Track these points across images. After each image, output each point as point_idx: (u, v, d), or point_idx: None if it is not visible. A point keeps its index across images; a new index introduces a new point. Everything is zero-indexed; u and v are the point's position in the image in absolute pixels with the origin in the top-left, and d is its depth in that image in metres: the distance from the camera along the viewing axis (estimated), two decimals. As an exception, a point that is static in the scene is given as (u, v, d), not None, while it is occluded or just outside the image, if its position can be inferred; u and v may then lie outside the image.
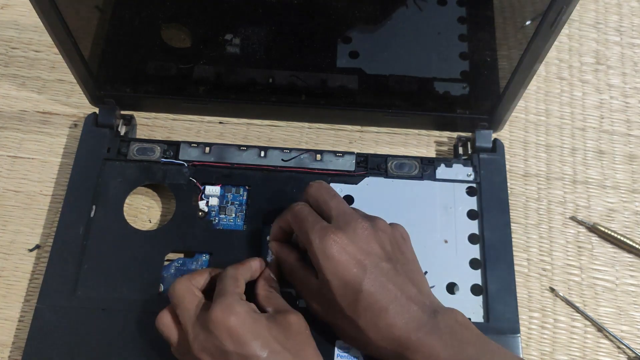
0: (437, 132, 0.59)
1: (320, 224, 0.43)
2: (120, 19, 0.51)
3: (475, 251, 0.51)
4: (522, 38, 0.47)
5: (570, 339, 0.51)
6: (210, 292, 0.44)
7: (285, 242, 0.48)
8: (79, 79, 0.53)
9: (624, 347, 0.50)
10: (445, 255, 0.51)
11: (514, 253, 0.51)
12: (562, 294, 0.52)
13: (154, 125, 0.58)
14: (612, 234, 0.54)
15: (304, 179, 0.53)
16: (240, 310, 0.40)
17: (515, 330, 0.48)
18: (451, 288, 0.50)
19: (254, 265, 0.46)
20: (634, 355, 0.50)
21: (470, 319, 0.48)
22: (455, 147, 0.57)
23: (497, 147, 0.55)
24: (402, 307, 0.41)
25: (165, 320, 0.43)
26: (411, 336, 0.41)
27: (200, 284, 0.45)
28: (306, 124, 0.59)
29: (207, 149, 0.54)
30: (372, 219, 0.44)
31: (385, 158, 0.54)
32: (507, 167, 0.56)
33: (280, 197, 0.52)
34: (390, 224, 0.46)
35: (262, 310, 0.44)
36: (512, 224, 0.53)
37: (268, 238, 0.49)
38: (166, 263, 0.50)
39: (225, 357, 0.40)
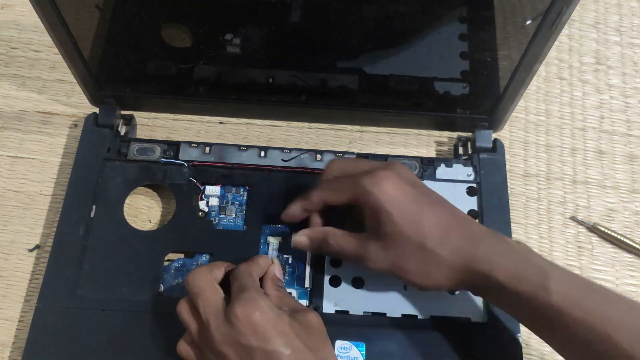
0: (437, 132, 0.59)
1: (363, 171, 0.45)
2: (120, 18, 0.51)
3: None
4: (522, 38, 0.47)
5: (571, 339, 0.51)
6: (225, 286, 0.44)
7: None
8: (79, 79, 0.53)
9: (624, 347, 0.50)
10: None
11: (514, 253, 0.51)
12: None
13: (154, 125, 0.58)
14: (612, 234, 0.54)
15: (304, 179, 0.53)
16: (264, 306, 0.40)
17: (515, 330, 0.48)
18: (451, 288, 0.50)
19: (262, 263, 0.46)
20: (634, 355, 0.50)
21: (469, 319, 0.48)
22: (455, 147, 0.57)
23: (497, 147, 0.55)
24: (463, 223, 0.44)
25: (185, 307, 0.43)
26: (480, 245, 0.42)
27: (218, 277, 0.44)
28: (306, 124, 0.59)
29: (207, 149, 0.54)
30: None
31: (385, 158, 0.54)
32: (507, 167, 0.56)
33: (280, 197, 0.52)
34: None
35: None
36: (512, 224, 0.53)
37: (295, 238, 0.48)
38: (166, 263, 0.50)
39: (248, 352, 0.39)
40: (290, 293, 0.49)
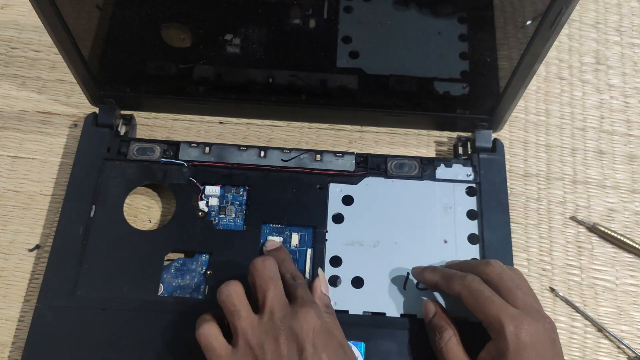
0: (437, 132, 0.59)
1: (512, 310, 0.42)
2: (120, 18, 0.50)
3: (475, 251, 0.51)
4: (522, 38, 0.47)
5: (570, 339, 0.51)
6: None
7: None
8: (79, 79, 0.53)
9: (624, 347, 0.50)
10: (445, 255, 0.51)
11: (514, 253, 0.51)
12: (562, 294, 0.52)
13: (154, 125, 0.58)
14: (612, 234, 0.54)
15: (304, 179, 0.53)
16: (326, 317, 0.42)
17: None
18: (451, 288, 0.50)
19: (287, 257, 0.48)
20: (634, 355, 0.50)
21: (468, 318, 0.48)
22: (455, 147, 0.57)
23: (497, 147, 0.55)
24: None
25: (238, 291, 0.42)
26: None
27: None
28: (306, 124, 0.59)
29: (207, 149, 0.54)
30: (544, 312, 0.44)
31: (385, 158, 0.54)
32: (507, 167, 0.56)
33: (280, 197, 0.52)
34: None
35: None
36: (512, 224, 0.53)
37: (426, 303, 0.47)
38: (166, 263, 0.50)
39: (299, 348, 0.40)
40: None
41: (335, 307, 0.48)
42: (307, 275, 0.50)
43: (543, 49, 0.46)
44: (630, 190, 0.57)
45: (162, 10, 0.49)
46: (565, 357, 0.49)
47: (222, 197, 0.53)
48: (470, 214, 0.52)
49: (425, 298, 0.48)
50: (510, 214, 0.53)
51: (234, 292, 0.42)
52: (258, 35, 0.51)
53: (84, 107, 0.58)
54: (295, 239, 0.51)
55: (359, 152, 0.54)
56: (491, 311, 0.42)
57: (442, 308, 0.47)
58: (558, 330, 0.50)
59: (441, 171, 0.54)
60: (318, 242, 0.51)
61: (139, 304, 0.48)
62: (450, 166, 0.54)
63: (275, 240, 0.50)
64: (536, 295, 0.45)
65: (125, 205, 0.52)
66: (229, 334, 0.42)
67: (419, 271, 0.48)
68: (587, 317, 0.52)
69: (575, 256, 0.54)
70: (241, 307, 0.42)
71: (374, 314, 0.48)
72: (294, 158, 0.54)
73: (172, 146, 0.54)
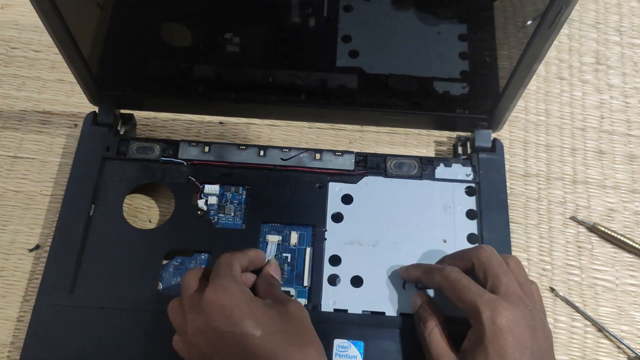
0: (436, 132, 0.59)
1: (489, 295, 0.42)
2: (120, 18, 0.51)
3: None
4: (522, 38, 0.47)
5: (570, 339, 0.51)
6: None
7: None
8: (79, 79, 0.53)
9: (624, 347, 0.50)
10: (444, 255, 0.50)
11: (514, 253, 0.51)
12: (562, 294, 0.52)
13: (154, 125, 0.58)
14: (612, 234, 0.54)
15: (303, 178, 0.53)
16: (234, 290, 0.41)
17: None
18: (450, 287, 0.50)
19: (252, 254, 0.46)
20: (634, 355, 0.50)
21: (468, 318, 0.48)
22: (455, 147, 0.57)
23: (496, 147, 0.55)
24: None
25: (172, 309, 0.44)
26: None
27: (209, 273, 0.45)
28: (306, 124, 0.59)
29: (207, 148, 0.54)
30: (531, 299, 0.43)
31: (384, 157, 0.54)
32: (507, 167, 0.56)
33: (280, 196, 0.52)
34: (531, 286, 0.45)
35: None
36: (512, 224, 0.53)
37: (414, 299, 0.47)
38: (165, 262, 0.50)
39: (219, 336, 0.40)
40: (289, 292, 0.49)
41: (334, 307, 0.48)
42: (306, 274, 0.50)
43: (543, 49, 0.46)
44: (630, 190, 0.57)
45: (162, 10, 0.49)
46: (565, 357, 0.49)
47: (221, 196, 0.53)
48: (470, 214, 0.52)
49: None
50: (510, 214, 0.53)
51: (171, 308, 0.44)
52: (258, 34, 0.51)
53: (84, 107, 0.58)
54: (294, 237, 0.51)
55: (359, 151, 0.54)
56: (468, 298, 0.42)
57: (429, 300, 0.47)
58: (558, 331, 0.51)
59: (441, 171, 0.54)
60: (317, 241, 0.51)
61: (138, 302, 0.48)
62: (450, 166, 0.54)
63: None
64: (533, 284, 0.44)
65: (124, 204, 0.52)
66: None
67: (403, 269, 0.49)
68: (587, 317, 0.51)
69: (575, 256, 0.54)
70: (173, 322, 0.43)
71: (373, 313, 0.48)
72: (293, 157, 0.54)
73: (172, 145, 0.54)
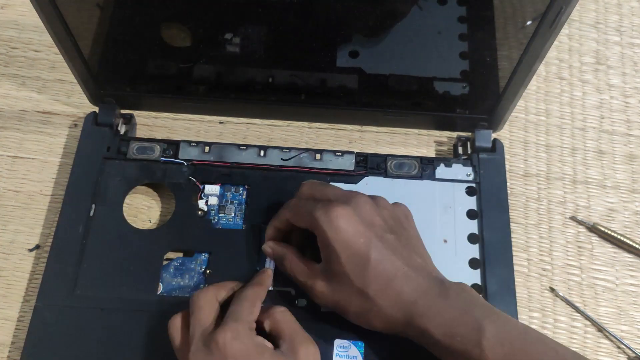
0: (437, 132, 0.59)
1: (323, 203, 0.44)
2: (120, 18, 0.51)
3: (474, 251, 0.51)
4: (522, 38, 0.47)
5: (570, 339, 0.51)
6: (227, 306, 0.44)
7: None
8: (79, 79, 0.53)
9: (624, 347, 0.50)
10: (445, 255, 0.50)
11: (514, 253, 0.51)
12: (562, 294, 0.52)
13: (154, 125, 0.58)
14: (612, 234, 0.54)
15: (304, 178, 0.53)
16: (248, 341, 0.40)
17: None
18: (451, 288, 0.50)
19: (269, 283, 0.47)
20: (634, 355, 0.50)
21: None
22: (455, 147, 0.57)
23: (496, 147, 0.55)
24: (409, 274, 0.43)
25: (175, 323, 0.43)
26: (419, 301, 0.42)
27: (222, 297, 0.45)
28: (306, 124, 0.59)
29: (207, 148, 0.54)
30: (373, 197, 0.46)
31: (384, 158, 0.54)
32: (507, 167, 0.56)
33: (280, 196, 0.52)
34: (393, 203, 0.47)
35: (275, 334, 0.43)
36: (512, 224, 0.53)
37: (263, 246, 0.49)
38: (165, 262, 0.50)
39: None
40: (289, 292, 0.49)
41: (334, 307, 0.48)
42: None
43: (543, 49, 0.46)
44: (630, 190, 0.57)
45: (162, 10, 0.49)
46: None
47: (221, 196, 0.53)
48: (470, 214, 0.52)
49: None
50: (510, 214, 0.53)
51: (172, 324, 0.44)
52: (258, 34, 0.51)
53: (84, 106, 0.58)
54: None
55: (359, 151, 0.54)
56: (305, 212, 0.44)
57: (276, 243, 0.48)
58: (558, 331, 0.51)
59: (441, 171, 0.54)
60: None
61: (138, 303, 0.48)
62: (450, 166, 0.54)
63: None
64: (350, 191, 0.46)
65: (125, 204, 0.52)
66: None
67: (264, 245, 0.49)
68: (587, 317, 0.51)
69: (575, 256, 0.54)
70: (174, 338, 0.43)
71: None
72: (293, 157, 0.54)
73: (172, 145, 0.54)
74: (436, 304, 0.42)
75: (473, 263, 0.50)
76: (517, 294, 0.49)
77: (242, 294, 0.44)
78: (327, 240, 0.43)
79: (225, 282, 0.46)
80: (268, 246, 0.48)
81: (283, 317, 0.44)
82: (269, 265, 0.49)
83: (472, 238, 0.51)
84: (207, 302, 0.43)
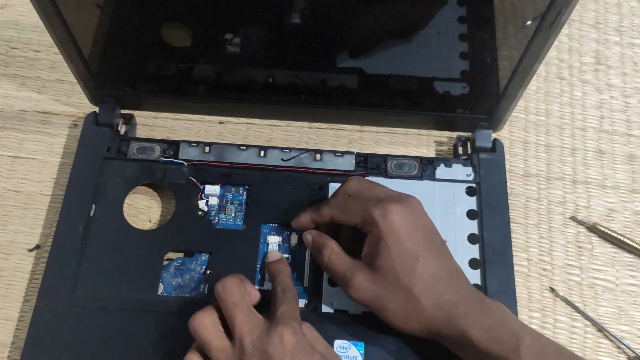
0: (437, 132, 0.59)
1: (376, 200, 0.45)
2: (120, 18, 0.51)
3: (474, 251, 0.51)
4: (522, 38, 0.47)
5: (570, 339, 0.51)
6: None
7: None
8: (79, 79, 0.53)
9: (624, 347, 0.50)
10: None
11: (514, 253, 0.51)
12: (562, 294, 0.52)
13: (154, 126, 0.58)
14: (612, 234, 0.54)
15: (304, 178, 0.53)
16: (303, 339, 0.41)
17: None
18: (451, 288, 0.50)
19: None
20: (634, 355, 0.50)
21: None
22: (455, 147, 0.57)
23: (496, 147, 0.55)
24: (453, 278, 0.44)
25: (204, 322, 0.42)
26: (460, 304, 0.43)
27: (247, 290, 0.45)
28: (306, 124, 0.59)
29: (207, 148, 0.54)
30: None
31: (384, 158, 0.54)
32: (507, 167, 0.56)
33: (280, 196, 0.52)
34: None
35: None
36: (512, 224, 0.53)
37: (304, 233, 0.49)
38: (165, 262, 0.50)
39: None
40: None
41: (335, 307, 0.48)
42: (306, 275, 0.50)
43: (543, 49, 0.46)
44: (630, 190, 0.57)
45: (163, 10, 0.49)
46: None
47: (221, 197, 0.53)
48: (470, 214, 0.52)
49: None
50: (510, 214, 0.53)
51: (200, 325, 0.42)
52: (258, 34, 0.51)
53: (84, 107, 0.58)
54: (294, 238, 0.51)
55: (359, 151, 0.54)
56: (358, 208, 0.45)
57: (319, 232, 0.48)
58: (558, 331, 0.51)
59: (441, 171, 0.54)
60: (318, 241, 0.51)
61: (139, 303, 0.48)
62: (450, 166, 0.54)
63: (275, 252, 0.50)
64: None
65: (125, 204, 0.52)
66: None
67: (294, 220, 0.50)
68: (587, 317, 0.51)
69: (575, 256, 0.54)
70: (211, 339, 0.41)
71: (373, 314, 0.48)
72: (293, 157, 0.54)
73: (172, 145, 0.54)
74: (477, 308, 0.43)
75: (473, 263, 0.50)
76: (517, 294, 0.49)
77: (288, 295, 0.44)
78: (380, 235, 0.43)
79: (236, 275, 0.45)
80: (310, 234, 0.48)
81: (311, 332, 0.43)
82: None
83: (472, 238, 0.51)
84: (242, 296, 0.43)
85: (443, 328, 0.43)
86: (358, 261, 0.45)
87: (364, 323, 0.48)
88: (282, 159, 0.54)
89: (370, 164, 0.54)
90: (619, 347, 0.51)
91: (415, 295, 0.43)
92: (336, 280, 0.47)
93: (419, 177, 0.53)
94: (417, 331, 0.44)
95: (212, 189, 0.52)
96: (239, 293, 0.43)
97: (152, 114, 0.59)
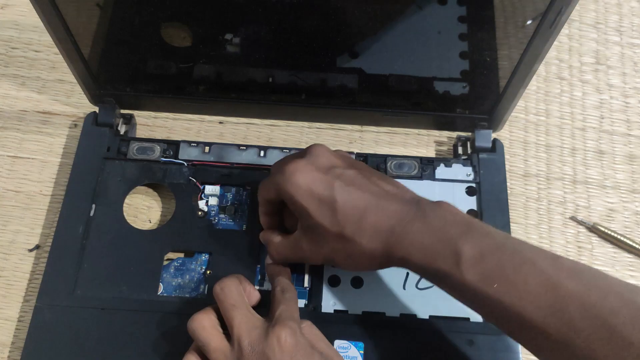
0: (436, 132, 0.59)
1: (280, 170, 0.44)
2: (120, 17, 0.51)
3: None
4: (522, 38, 0.47)
5: (570, 339, 0.51)
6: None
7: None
8: (79, 79, 0.53)
9: (624, 347, 0.50)
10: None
11: (514, 253, 0.51)
12: (562, 294, 0.52)
13: (154, 126, 0.58)
14: (612, 234, 0.54)
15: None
16: (302, 340, 0.40)
17: (515, 330, 0.48)
18: (451, 288, 0.50)
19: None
20: (634, 355, 0.50)
21: (468, 318, 0.48)
22: (455, 147, 0.57)
23: (496, 147, 0.55)
24: (380, 204, 0.42)
25: (202, 323, 0.42)
26: (395, 228, 0.41)
27: (245, 290, 0.44)
28: (306, 124, 0.59)
29: (207, 148, 0.54)
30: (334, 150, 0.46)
31: (384, 158, 0.54)
32: (507, 167, 0.56)
33: (280, 196, 0.52)
34: None
35: None
36: (512, 224, 0.53)
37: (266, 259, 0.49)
38: (165, 262, 0.50)
39: None
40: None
41: (334, 307, 0.48)
42: (306, 275, 0.50)
43: (543, 49, 0.46)
44: (630, 190, 0.57)
45: (163, 9, 0.49)
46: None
47: (221, 197, 0.53)
48: (470, 214, 0.52)
49: (425, 298, 0.49)
50: (510, 214, 0.53)
51: (199, 326, 0.42)
52: (258, 34, 0.51)
53: (84, 107, 0.58)
54: (294, 238, 0.51)
55: (359, 152, 0.54)
56: (269, 183, 0.45)
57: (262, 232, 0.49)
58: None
59: (441, 171, 0.54)
60: (318, 241, 0.51)
61: (139, 303, 0.48)
62: (450, 166, 0.54)
63: None
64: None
65: (125, 204, 0.52)
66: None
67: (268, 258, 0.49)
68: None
69: (575, 256, 0.54)
70: (210, 340, 0.41)
71: (373, 313, 0.48)
72: (293, 158, 0.54)
73: (172, 145, 0.54)
74: (412, 229, 0.40)
75: (473, 263, 0.50)
76: (517, 294, 0.49)
77: (287, 295, 0.44)
78: (292, 199, 0.42)
79: (235, 276, 0.45)
80: (261, 237, 0.49)
81: (311, 331, 0.43)
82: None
83: (472, 238, 0.51)
84: (240, 297, 0.43)
85: (387, 259, 0.41)
86: (296, 233, 0.45)
87: (364, 323, 0.48)
88: (282, 159, 0.54)
89: (370, 163, 0.54)
90: (619, 347, 0.51)
91: (350, 238, 0.41)
92: (295, 262, 0.47)
93: (419, 177, 0.53)
94: (371, 269, 0.43)
95: (212, 189, 0.52)
96: (238, 294, 0.43)
97: (152, 114, 0.59)
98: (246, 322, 0.41)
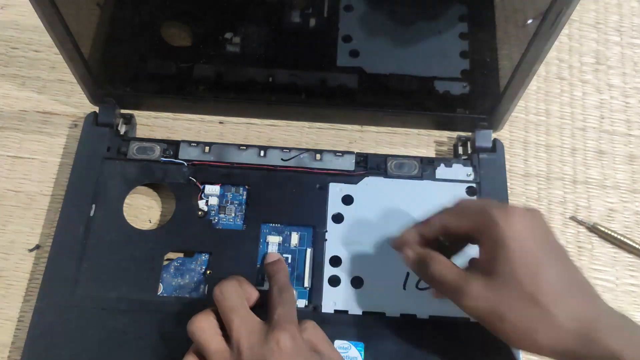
0: (437, 132, 0.59)
1: (498, 205, 0.42)
2: (120, 17, 0.51)
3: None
4: (523, 38, 0.47)
5: (570, 339, 0.51)
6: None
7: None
8: (79, 79, 0.53)
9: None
10: (444, 255, 0.50)
11: (514, 253, 0.51)
12: (562, 294, 0.52)
13: (154, 125, 0.58)
14: (612, 234, 0.54)
15: (304, 178, 0.53)
16: (302, 343, 0.40)
17: (515, 330, 0.47)
18: (451, 288, 0.50)
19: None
20: (634, 355, 0.50)
21: (469, 318, 0.48)
22: (455, 147, 0.57)
23: (497, 147, 0.55)
24: (585, 289, 0.40)
25: (201, 325, 0.42)
26: (601, 319, 0.39)
27: (246, 292, 0.44)
28: (306, 124, 0.59)
29: (207, 148, 0.54)
30: None
31: (385, 158, 0.54)
32: (507, 167, 0.56)
33: (280, 196, 0.52)
34: None
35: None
36: (512, 224, 0.53)
37: (404, 250, 0.45)
38: (166, 262, 0.50)
39: None
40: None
41: (335, 307, 0.48)
42: (307, 275, 0.50)
43: (544, 49, 0.46)
44: (630, 190, 0.57)
45: (163, 9, 0.49)
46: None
47: (221, 197, 0.53)
48: (470, 214, 0.52)
49: (425, 298, 0.49)
50: (511, 214, 0.53)
51: (199, 329, 0.41)
52: (258, 34, 0.51)
53: (84, 107, 0.58)
54: (294, 238, 0.51)
55: (359, 151, 0.54)
56: (473, 212, 0.42)
57: (419, 247, 0.45)
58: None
59: (441, 171, 0.54)
60: (318, 242, 0.51)
61: (139, 303, 0.48)
62: (450, 166, 0.54)
63: (274, 253, 0.50)
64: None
65: (125, 204, 0.52)
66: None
67: (394, 240, 0.46)
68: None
69: (575, 256, 0.54)
70: (209, 342, 0.41)
71: (373, 314, 0.48)
72: (293, 157, 0.54)
73: (172, 145, 0.54)
74: (627, 324, 0.39)
75: (473, 263, 0.50)
76: (517, 294, 0.49)
77: (284, 296, 0.43)
78: (501, 237, 0.40)
79: (235, 278, 0.45)
80: (410, 249, 0.45)
81: (314, 332, 0.43)
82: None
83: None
84: (240, 300, 0.42)
85: (582, 347, 0.38)
86: (470, 270, 0.42)
87: (364, 323, 0.48)
88: (282, 159, 0.54)
89: (370, 163, 0.54)
90: (619, 347, 0.51)
91: (544, 305, 0.38)
92: (447, 292, 0.42)
93: (419, 177, 0.53)
94: (544, 349, 0.39)
95: (212, 189, 0.52)
96: (237, 297, 0.43)
97: (152, 114, 0.59)
98: (245, 325, 0.41)
